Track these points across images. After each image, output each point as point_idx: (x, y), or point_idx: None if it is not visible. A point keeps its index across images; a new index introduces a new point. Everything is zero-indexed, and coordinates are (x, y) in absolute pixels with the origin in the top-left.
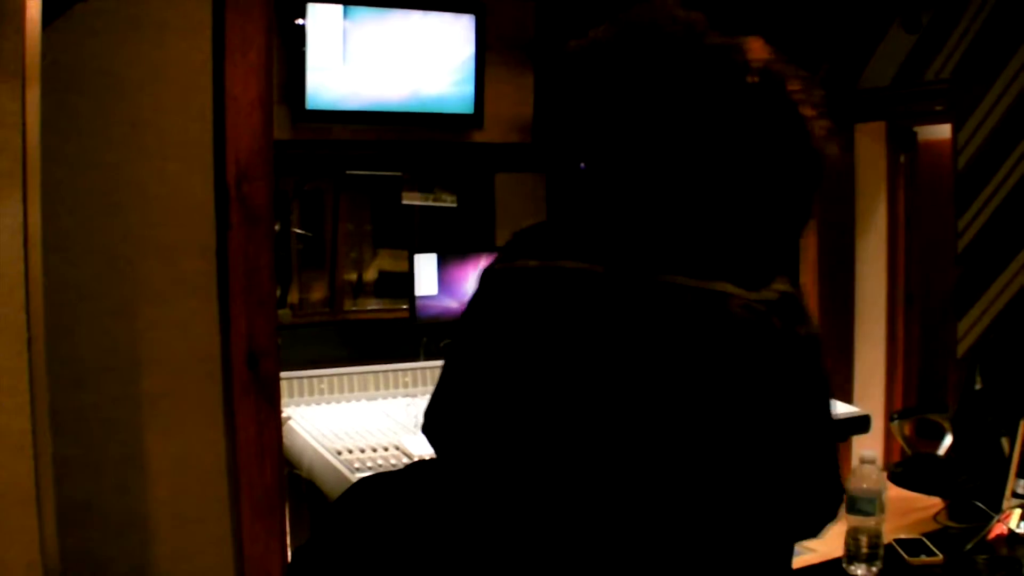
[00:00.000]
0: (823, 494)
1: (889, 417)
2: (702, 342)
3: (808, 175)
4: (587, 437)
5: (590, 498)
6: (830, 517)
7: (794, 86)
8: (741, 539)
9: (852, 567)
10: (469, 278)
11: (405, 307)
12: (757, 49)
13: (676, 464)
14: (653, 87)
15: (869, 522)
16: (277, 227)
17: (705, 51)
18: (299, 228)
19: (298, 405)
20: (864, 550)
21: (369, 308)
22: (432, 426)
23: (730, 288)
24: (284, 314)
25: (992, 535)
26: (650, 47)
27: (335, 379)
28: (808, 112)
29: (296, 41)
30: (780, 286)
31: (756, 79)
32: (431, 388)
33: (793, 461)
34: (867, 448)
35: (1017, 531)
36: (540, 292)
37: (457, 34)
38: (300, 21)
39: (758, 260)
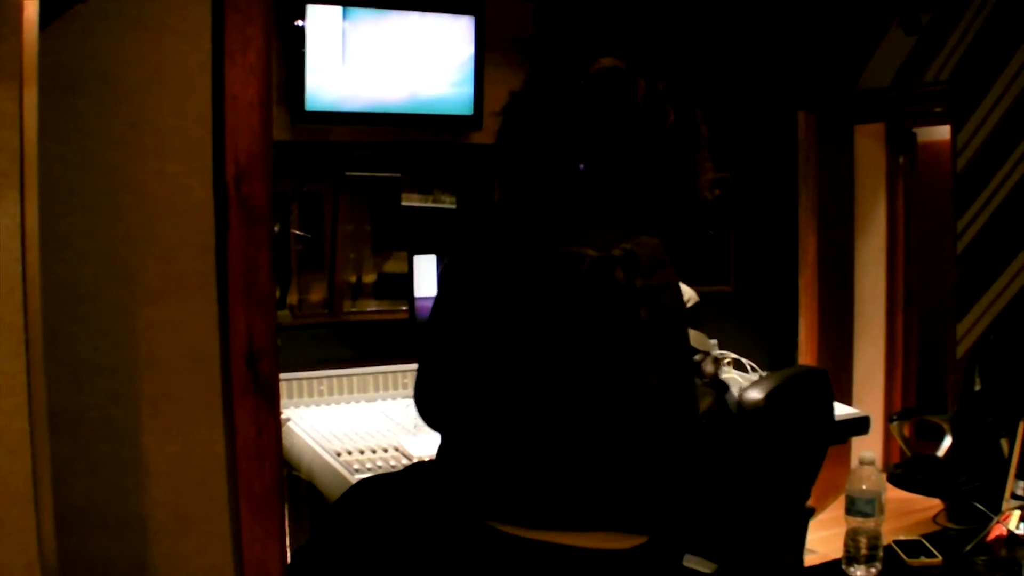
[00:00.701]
0: (656, 395)
1: (888, 418)
2: (563, 289)
3: (655, 156)
4: (516, 351)
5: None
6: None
7: (639, 85)
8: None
9: (851, 568)
10: None
11: (405, 308)
12: (603, 62)
13: (560, 362)
14: (540, 113)
15: (868, 523)
16: (276, 228)
17: (563, 76)
18: (298, 229)
19: (297, 406)
20: (863, 551)
21: (368, 309)
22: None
23: (586, 250)
24: (283, 315)
25: (991, 536)
26: (535, 85)
27: (334, 380)
28: (651, 104)
29: (296, 42)
30: (628, 245)
31: (583, 80)
32: None
33: (623, 365)
34: (866, 449)
35: (1016, 532)
36: (479, 264)
37: (456, 35)
38: (300, 22)
39: (615, 227)
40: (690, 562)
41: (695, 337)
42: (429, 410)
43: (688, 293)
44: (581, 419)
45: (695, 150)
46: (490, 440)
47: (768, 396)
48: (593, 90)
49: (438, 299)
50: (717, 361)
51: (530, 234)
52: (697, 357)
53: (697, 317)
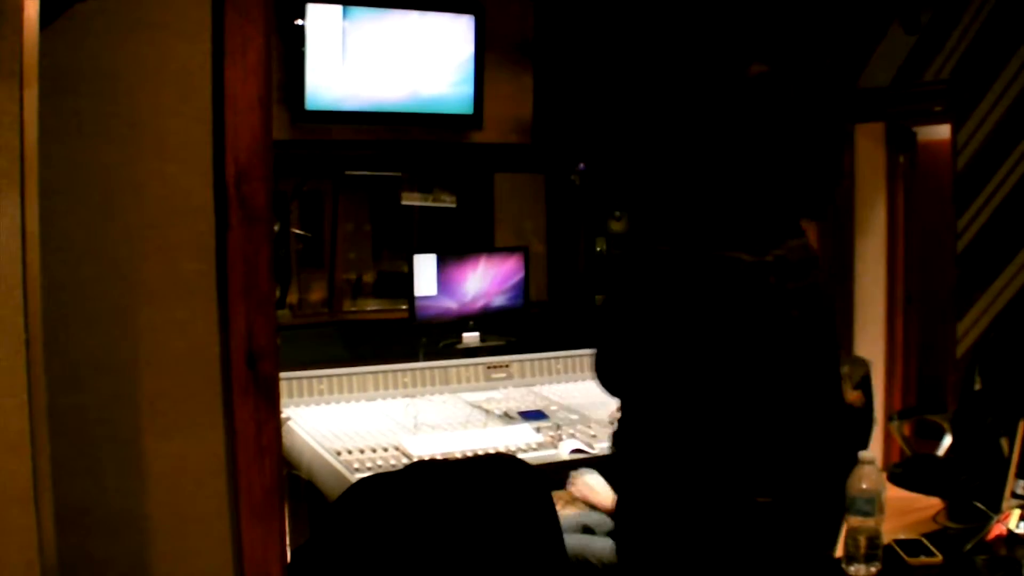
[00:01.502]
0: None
1: (888, 417)
2: (723, 292)
3: (809, 170)
4: (683, 351)
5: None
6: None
7: (796, 89)
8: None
9: (851, 567)
10: (468, 278)
11: (404, 307)
12: (755, 68)
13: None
14: (706, 122)
15: (868, 522)
16: (276, 227)
17: (724, 84)
18: (298, 228)
19: (297, 405)
20: (863, 550)
21: (368, 308)
22: (608, 368)
23: (742, 255)
24: (283, 314)
25: (991, 535)
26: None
27: (334, 379)
28: (808, 105)
29: (296, 41)
30: (779, 251)
31: (743, 86)
32: (430, 388)
33: (779, 358)
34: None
35: (1016, 531)
36: (649, 264)
37: (456, 34)
38: (299, 21)
39: (766, 233)
40: None
41: None
42: (611, 382)
43: None
44: (747, 403)
45: (842, 144)
46: (672, 417)
47: (865, 394)
48: (756, 95)
49: (613, 293)
50: None
51: (693, 236)
52: None
53: None
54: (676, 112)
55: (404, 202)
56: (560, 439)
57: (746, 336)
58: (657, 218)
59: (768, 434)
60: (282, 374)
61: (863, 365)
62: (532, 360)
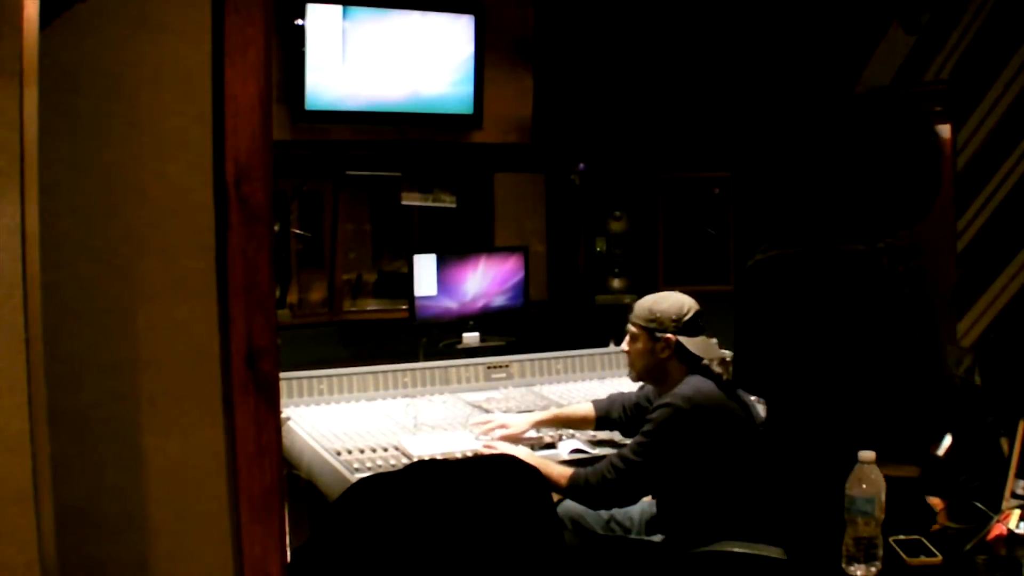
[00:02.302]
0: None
1: None
2: (850, 277)
3: (911, 178)
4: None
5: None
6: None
7: (902, 105)
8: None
9: (851, 567)
10: (468, 278)
11: (404, 307)
12: (862, 87)
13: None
14: (815, 135)
15: (868, 522)
16: (276, 227)
17: (840, 108)
18: (299, 228)
19: (297, 405)
20: (863, 550)
21: (368, 308)
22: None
23: (857, 246)
24: (283, 314)
25: (991, 535)
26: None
27: (334, 379)
28: (915, 122)
29: (296, 41)
30: (890, 239)
31: (854, 103)
32: (431, 388)
33: (895, 331)
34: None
35: (1016, 531)
36: (779, 261)
37: (456, 34)
38: (300, 21)
39: (876, 228)
40: (763, 551)
41: (700, 344)
42: (753, 383)
43: (688, 304)
44: (871, 373)
45: (938, 156)
46: (813, 397)
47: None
48: (867, 111)
49: (748, 301)
50: (725, 363)
51: (815, 237)
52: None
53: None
54: (799, 129)
55: (404, 202)
56: (560, 439)
57: (867, 315)
58: (784, 226)
59: (887, 406)
60: (282, 374)
61: (968, 353)
62: (532, 360)
